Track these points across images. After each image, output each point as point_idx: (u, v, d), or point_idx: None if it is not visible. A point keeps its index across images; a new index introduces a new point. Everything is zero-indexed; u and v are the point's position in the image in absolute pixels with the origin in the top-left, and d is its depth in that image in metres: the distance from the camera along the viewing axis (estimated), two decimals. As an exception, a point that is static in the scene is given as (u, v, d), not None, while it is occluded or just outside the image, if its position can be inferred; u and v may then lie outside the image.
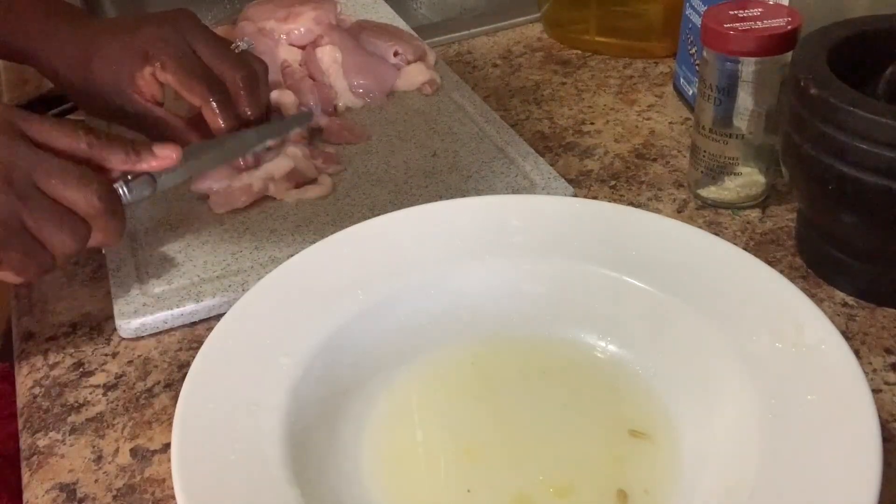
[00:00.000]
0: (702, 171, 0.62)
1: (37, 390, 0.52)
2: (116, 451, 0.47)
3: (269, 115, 0.66)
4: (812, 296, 0.52)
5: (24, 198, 0.47)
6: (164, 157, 0.54)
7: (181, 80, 0.61)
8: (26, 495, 0.46)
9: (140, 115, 0.63)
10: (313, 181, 0.65)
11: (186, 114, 0.65)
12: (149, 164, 0.54)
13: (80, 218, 0.50)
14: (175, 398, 0.44)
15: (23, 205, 0.47)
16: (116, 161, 0.53)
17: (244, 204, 0.62)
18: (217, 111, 0.61)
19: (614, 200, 0.64)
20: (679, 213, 0.63)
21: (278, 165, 0.64)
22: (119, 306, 0.55)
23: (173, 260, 0.58)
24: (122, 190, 0.54)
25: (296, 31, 0.77)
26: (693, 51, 0.72)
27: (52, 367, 0.53)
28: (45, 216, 0.48)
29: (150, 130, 0.64)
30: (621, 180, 0.67)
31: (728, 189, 0.62)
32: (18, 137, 0.48)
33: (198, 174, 0.62)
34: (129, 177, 0.54)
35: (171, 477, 0.40)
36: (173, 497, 0.38)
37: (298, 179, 0.64)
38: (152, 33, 0.61)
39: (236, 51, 0.65)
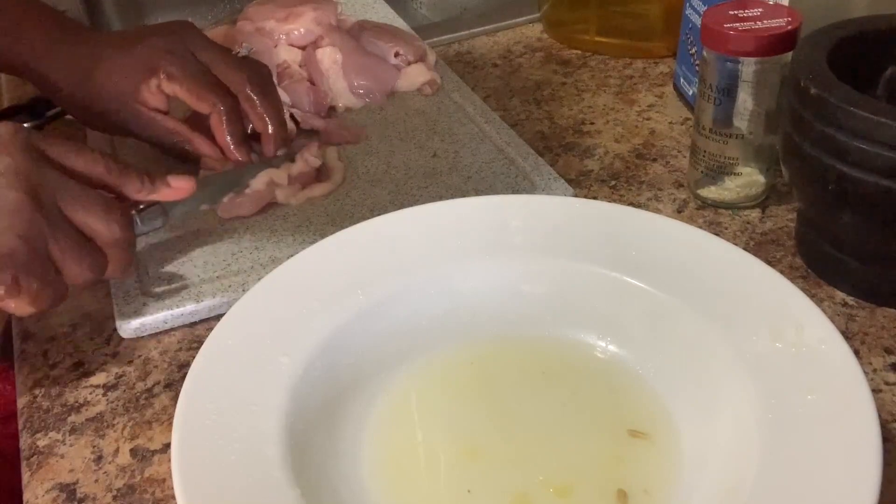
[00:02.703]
0: (702, 171, 0.62)
1: (37, 390, 0.52)
2: (116, 451, 0.47)
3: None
4: (812, 296, 0.52)
5: (51, 223, 0.46)
6: (178, 187, 0.54)
7: (189, 89, 0.61)
8: (26, 495, 0.46)
9: (145, 125, 0.63)
10: (321, 179, 0.65)
11: (183, 115, 0.65)
12: (163, 194, 0.54)
13: (99, 248, 0.49)
14: (175, 398, 0.44)
15: (50, 230, 0.46)
16: (131, 189, 0.52)
17: (249, 212, 0.62)
18: (225, 117, 0.61)
19: (614, 200, 0.64)
20: (679, 213, 0.63)
21: (288, 169, 0.64)
22: (119, 306, 0.55)
23: (173, 260, 0.58)
24: (134, 220, 0.54)
25: (296, 32, 0.77)
26: (693, 51, 0.72)
27: (52, 367, 0.53)
28: (69, 244, 0.47)
29: (156, 139, 0.64)
30: (621, 180, 0.67)
31: (728, 189, 0.62)
32: (43, 161, 0.48)
33: (209, 203, 0.62)
34: (141, 206, 0.54)
35: (171, 477, 0.40)
36: (173, 497, 0.38)
37: (306, 179, 0.64)
38: (156, 45, 0.61)
39: (238, 56, 0.65)
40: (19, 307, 0.46)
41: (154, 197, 0.53)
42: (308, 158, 0.65)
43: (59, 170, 0.48)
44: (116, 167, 0.51)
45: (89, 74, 0.61)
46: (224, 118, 0.61)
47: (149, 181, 0.53)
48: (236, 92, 0.63)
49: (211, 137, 0.63)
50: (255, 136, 0.65)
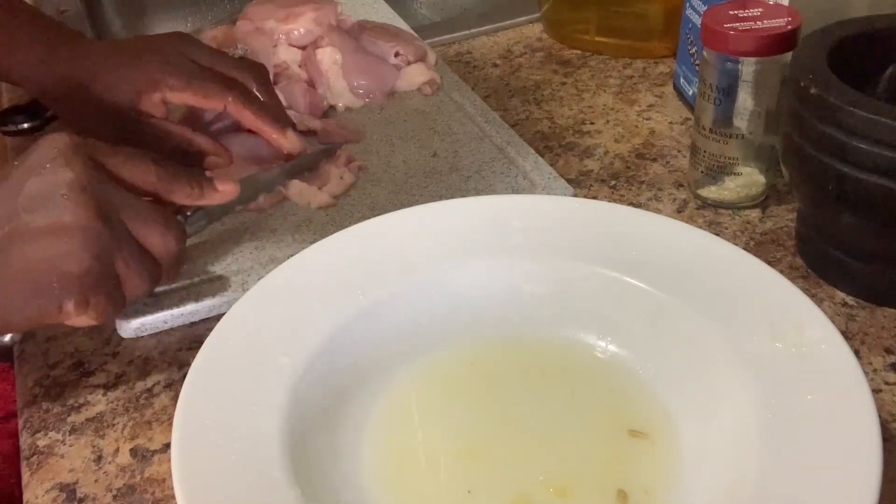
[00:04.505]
0: (702, 171, 0.62)
1: (37, 390, 0.52)
2: (116, 451, 0.47)
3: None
4: (812, 296, 0.52)
5: (117, 239, 0.46)
6: (224, 191, 0.54)
7: (196, 93, 0.61)
8: (26, 495, 0.46)
9: (145, 131, 0.63)
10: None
11: (180, 117, 0.65)
12: (210, 198, 0.53)
13: (155, 260, 0.49)
14: (175, 398, 0.44)
15: (116, 246, 0.46)
16: (180, 196, 0.52)
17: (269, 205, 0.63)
18: (243, 103, 0.61)
19: (614, 200, 0.64)
20: (679, 213, 0.63)
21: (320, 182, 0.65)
22: (119, 306, 0.55)
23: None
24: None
25: (295, 32, 0.77)
26: (693, 51, 0.72)
27: (52, 367, 0.53)
28: (133, 259, 0.47)
29: (156, 144, 0.64)
30: (621, 180, 0.67)
31: (728, 189, 0.62)
32: (102, 174, 0.47)
33: (245, 204, 0.62)
34: (188, 212, 0.54)
35: (171, 477, 0.40)
36: (173, 497, 0.38)
37: (323, 181, 0.65)
38: (153, 60, 0.61)
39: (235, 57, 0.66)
40: (81, 320, 0.46)
41: (202, 202, 0.53)
42: (344, 175, 0.65)
43: (115, 181, 0.48)
44: (167, 174, 0.51)
45: (86, 87, 0.61)
46: (243, 104, 0.61)
47: (197, 186, 0.53)
48: None
49: (211, 136, 0.64)
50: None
